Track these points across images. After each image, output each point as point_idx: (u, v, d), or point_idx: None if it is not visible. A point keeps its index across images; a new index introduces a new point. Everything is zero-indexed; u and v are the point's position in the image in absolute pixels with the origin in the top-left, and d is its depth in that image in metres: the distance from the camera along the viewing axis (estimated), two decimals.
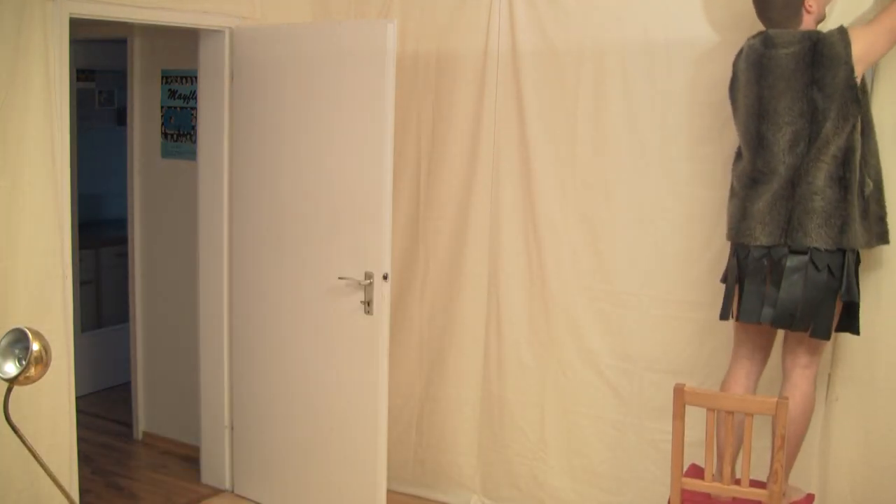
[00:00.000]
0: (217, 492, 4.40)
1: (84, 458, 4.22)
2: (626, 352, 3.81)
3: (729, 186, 3.25)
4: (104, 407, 5.51)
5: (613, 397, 3.85)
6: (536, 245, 3.94)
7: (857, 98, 2.96)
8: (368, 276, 3.67)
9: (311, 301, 3.90)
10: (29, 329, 2.74)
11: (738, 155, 3.22)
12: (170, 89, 4.73)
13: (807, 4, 3.07)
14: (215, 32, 4.11)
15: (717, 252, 3.48)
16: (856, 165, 2.98)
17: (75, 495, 3.51)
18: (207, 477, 4.48)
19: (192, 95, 4.57)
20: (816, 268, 2.97)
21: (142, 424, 5.07)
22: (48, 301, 3.36)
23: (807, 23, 3.08)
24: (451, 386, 4.21)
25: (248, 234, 4.14)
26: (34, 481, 3.31)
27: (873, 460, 3.33)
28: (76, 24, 3.44)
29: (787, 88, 2.99)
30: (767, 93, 3.04)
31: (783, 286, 2.99)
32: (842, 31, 2.98)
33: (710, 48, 3.51)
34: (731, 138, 3.43)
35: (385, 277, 3.64)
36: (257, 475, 4.24)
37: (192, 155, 4.57)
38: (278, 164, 3.99)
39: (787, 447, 2.98)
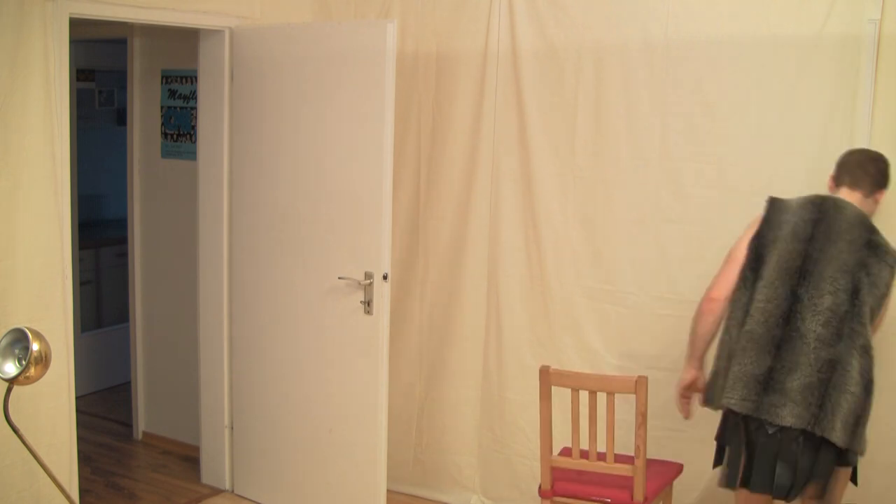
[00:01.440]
0: (217, 492, 4.40)
1: (84, 458, 4.22)
2: (627, 351, 3.80)
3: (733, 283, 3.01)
4: (104, 407, 5.51)
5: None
6: (536, 244, 3.94)
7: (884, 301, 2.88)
8: (368, 276, 3.67)
9: (311, 301, 3.90)
10: (29, 329, 2.74)
11: (741, 311, 2.95)
12: (170, 89, 4.73)
13: (878, 195, 3.05)
14: (215, 32, 4.11)
15: (718, 251, 3.48)
16: (873, 366, 2.84)
17: (75, 495, 3.51)
18: (207, 477, 4.48)
19: (192, 95, 4.57)
20: (803, 449, 2.82)
21: (142, 424, 5.07)
22: (48, 301, 3.36)
23: (868, 207, 3.02)
24: (451, 386, 4.21)
25: (247, 234, 4.14)
26: (34, 481, 3.31)
27: (874, 459, 3.32)
28: (76, 24, 3.44)
29: (838, 258, 2.85)
30: (815, 254, 2.87)
31: (800, 465, 2.81)
32: (891, 249, 2.88)
33: (710, 47, 3.51)
34: (728, 137, 3.44)
35: (385, 277, 3.64)
36: (257, 475, 4.24)
37: (192, 155, 4.57)
38: (278, 163, 3.99)
39: None
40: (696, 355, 3.15)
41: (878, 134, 3.22)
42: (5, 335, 2.78)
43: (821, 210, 2.94)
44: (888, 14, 3.16)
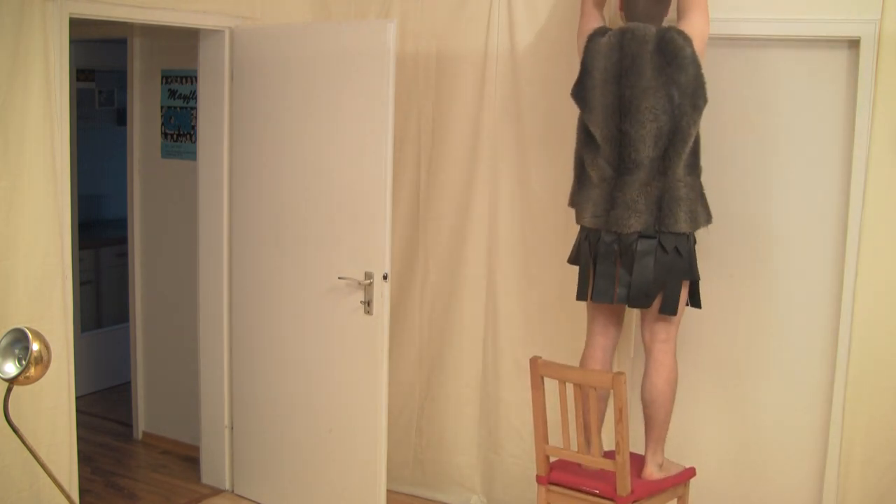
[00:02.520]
0: (217, 492, 4.40)
1: (84, 458, 4.22)
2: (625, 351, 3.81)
3: (574, 177, 3.39)
4: (104, 407, 5.51)
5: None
6: (535, 245, 3.94)
7: (704, 89, 3.16)
8: (368, 275, 3.67)
9: (312, 301, 3.89)
10: (29, 329, 2.74)
11: (587, 146, 3.31)
12: (170, 89, 4.73)
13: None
14: (215, 32, 4.11)
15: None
16: (700, 151, 3.23)
17: (75, 495, 3.51)
18: (207, 477, 4.48)
19: (192, 95, 4.57)
20: (665, 250, 3.18)
21: (142, 424, 5.07)
22: (48, 301, 3.36)
23: (662, 9, 3.29)
24: (451, 386, 4.21)
25: (247, 234, 4.14)
26: (34, 481, 3.31)
27: (875, 458, 3.33)
28: (76, 24, 3.44)
29: (648, 87, 3.14)
30: (629, 92, 3.18)
31: (636, 269, 3.20)
32: (680, 32, 3.15)
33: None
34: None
35: (385, 277, 3.64)
36: (257, 475, 4.24)
37: (192, 155, 4.57)
38: (278, 163, 3.99)
39: (657, 417, 3.29)
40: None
41: (879, 134, 3.22)
42: (5, 335, 2.78)
43: (622, 47, 3.20)
44: (888, 14, 3.16)
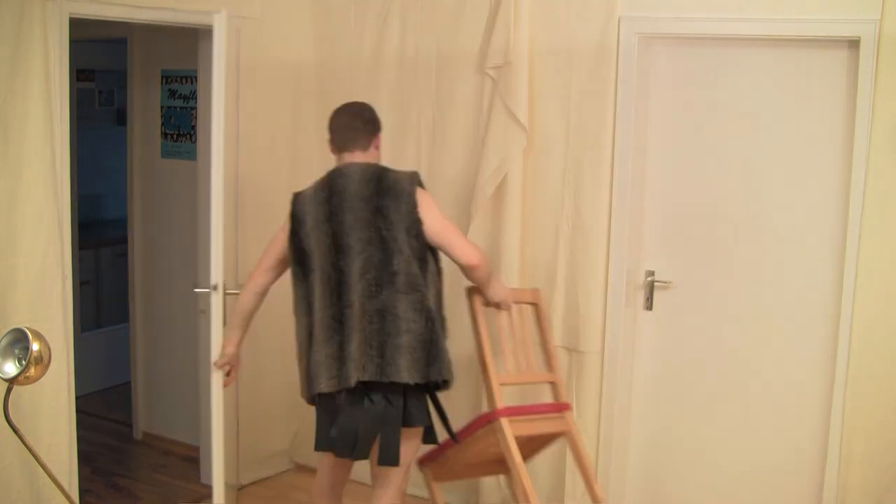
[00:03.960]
0: None
1: (84, 458, 4.21)
2: None
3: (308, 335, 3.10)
4: (104, 407, 5.51)
5: None
6: (536, 243, 3.94)
7: (419, 227, 3.03)
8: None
9: None
10: (29, 329, 2.74)
11: (304, 303, 3.12)
12: (170, 89, 4.72)
13: (377, 141, 3.22)
14: None
15: None
16: (431, 297, 3.05)
17: (75, 495, 3.51)
18: (207, 477, 4.47)
19: (192, 95, 4.57)
20: (371, 400, 2.98)
21: (142, 424, 5.07)
22: (48, 301, 3.35)
23: (373, 156, 3.21)
24: None
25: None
26: (34, 481, 3.31)
27: (875, 458, 3.33)
28: (76, 24, 3.43)
29: (357, 220, 3.03)
30: (339, 228, 3.05)
31: (340, 419, 3.01)
32: (412, 174, 3.13)
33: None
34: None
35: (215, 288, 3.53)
36: None
37: (191, 155, 4.57)
38: None
39: None
40: (234, 326, 3.38)
41: (878, 134, 3.22)
42: (5, 335, 2.78)
43: (330, 187, 3.10)
44: (888, 14, 3.16)
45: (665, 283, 3.78)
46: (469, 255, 3.10)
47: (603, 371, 3.83)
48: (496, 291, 3.37)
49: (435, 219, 3.08)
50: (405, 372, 2.94)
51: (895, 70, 3.18)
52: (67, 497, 2.99)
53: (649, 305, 3.81)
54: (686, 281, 3.75)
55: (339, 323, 3.01)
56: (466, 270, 3.17)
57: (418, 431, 3.12)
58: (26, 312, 3.26)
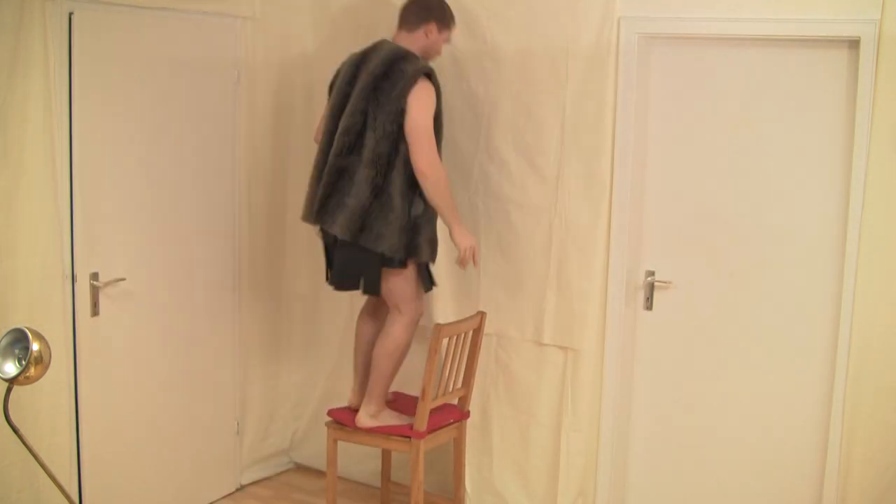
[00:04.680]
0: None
1: None
2: None
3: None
4: None
5: None
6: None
7: (401, 124, 3.42)
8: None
9: None
10: (29, 329, 2.74)
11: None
12: None
13: (427, 28, 3.58)
14: None
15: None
16: (394, 179, 3.43)
17: (75, 495, 3.51)
18: None
19: None
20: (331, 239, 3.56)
21: None
22: (48, 301, 3.36)
23: (417, 41, 3.58)
24: None
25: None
26: (34, 481, 3.31)
27: (875, 458, 3.33)
28: None
29: (361, 90, 3.46)
30: (348, 91, 3.51)
31: (335, 256, 3.59)
32: (421, 69, 3.46)
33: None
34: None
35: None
36: None
37: None
38: None
39: (372, 374, 3.68)
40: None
41: (879, 134, 3.22)
42: (5, 335, 2.78)
43: (364, 54, 3.58)
44: (888, 14, 3.16)
45: (665, 283, 3.78)
46: (422, 161, 3.42)
47: (603, 371, 3.83)
48: (461, 236, 3.57)
49: (415, 117, 3.41)
50: (338, 227, 3.45)
51: (895, 70, 3.18)
52: (67, 497, 2.98)
53: (649, 305, 3.81)
54: (686, 281, 3.75)
55: (319, 170, 3.55)
56: (418, 177, 3.44)
57: (396, 270, 3.55)
58: (26, 312, 3.26)
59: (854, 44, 3.27)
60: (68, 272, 3.47)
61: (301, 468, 4.65)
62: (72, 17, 3.37)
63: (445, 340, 3.62)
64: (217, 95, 4.12)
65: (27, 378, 2.73)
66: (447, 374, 3.70)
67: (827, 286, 3.45)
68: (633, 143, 3.70)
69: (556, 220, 3.81)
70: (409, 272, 3.60)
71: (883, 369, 3.29)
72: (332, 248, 3.62)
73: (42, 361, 2.74)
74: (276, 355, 4.51)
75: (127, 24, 3.63)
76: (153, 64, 3.76)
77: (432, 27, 3.60)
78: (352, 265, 3.54)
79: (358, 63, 3.55)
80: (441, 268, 3.91)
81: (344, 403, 3.97)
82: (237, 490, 4.40)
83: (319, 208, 3.52)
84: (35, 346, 2.71)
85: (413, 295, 3.65)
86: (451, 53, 3.97)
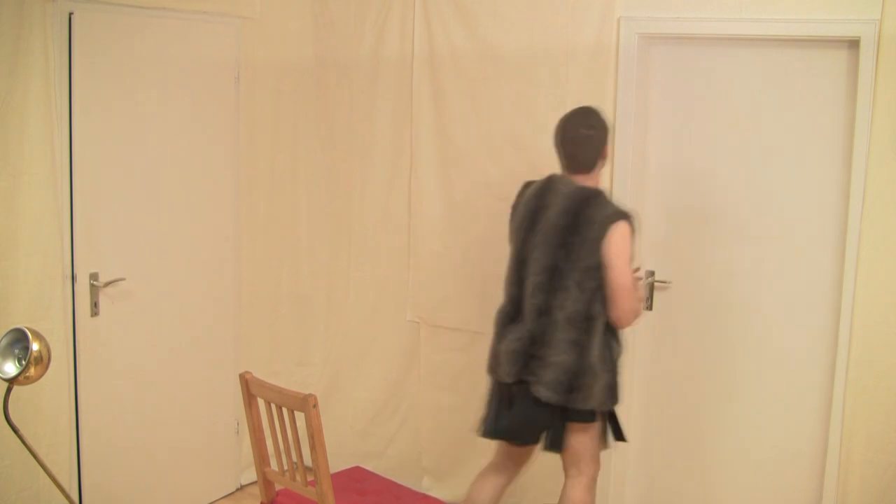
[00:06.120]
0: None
1: None
2: None
3: None
4: None
5: None
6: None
7: (598, 272, 3.05)
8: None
9: None
10: (29, 329, 2.74)
11: (505, 282, 3.28)
12: None
13: (604, 154, 3.19)
14: None
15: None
16: (596, 331, 3.09)
17: (75, 495, 3.51)
18: None
19: None
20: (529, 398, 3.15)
21: None
22: (48, 301, 3.36)
23: (598, 171, 3.20)
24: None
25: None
26: (34, 481, 3.31)
27: (875, 458, 3.33)
28: None
29: (544, 244, 3.11)
30: (529, 239, 3.17)
31: (514, 408, 3.20)
32: (612, 216, 3.04)
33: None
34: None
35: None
36: None
37: None
38: None
39: None
40: None
41: (878, 134, 3.22)
42: (5, 335, 2.78)
43: (539, 198, 3.18)
44: (888, 14, 3.16)
45: (665, 283, 3.78)
46: (625, 320, 3.11)
47: None
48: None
49: (618, 275, 3.05)
50: (542, 387, 3.09)
51: (895, 70, 3.18)
52: (67, 497, 2.98)
53: (649, 305, 3.81)
54: (686, 281, 3.75)
55: (508, 320, 3.22)
56: (618, 326, 3.15)
57: (584, 426, 3.19)
58: (26, 312, 3.27)
59: (854, 44, 3.27)
60: (68, 272, 3.48)
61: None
62: (72, 17, 3.37)
63: None
64: (217, 95, 4.12)
65: (27, 378, 2.73)
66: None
67: (827, 286, 3.45)
68: (632, 143, 3.70)
69: None
70: (598, 425, 3.25)
71: (883, 369, 3.29)
72: (511, 394, 3.22)
73: (42, 361, 2.74)
74: (276, 355, 4.51)
75: (127, 24, 3.63)
76: (153, 64, 3.76)
77: (607, 150, 3.23)
78: (540, 419, 3.17)
79: (534, 210, 3.19)
80: None
81: (346, 393, 3.87)
82: (237, 490, 4.40)
83: (522, 367, 3.15)
84: (35, 346, 2.71)
85: (598, 451, 3.31)
86: (451, 53, 3.98)
